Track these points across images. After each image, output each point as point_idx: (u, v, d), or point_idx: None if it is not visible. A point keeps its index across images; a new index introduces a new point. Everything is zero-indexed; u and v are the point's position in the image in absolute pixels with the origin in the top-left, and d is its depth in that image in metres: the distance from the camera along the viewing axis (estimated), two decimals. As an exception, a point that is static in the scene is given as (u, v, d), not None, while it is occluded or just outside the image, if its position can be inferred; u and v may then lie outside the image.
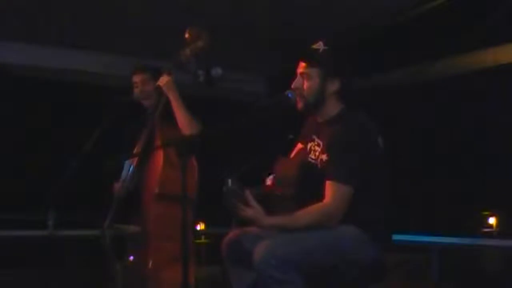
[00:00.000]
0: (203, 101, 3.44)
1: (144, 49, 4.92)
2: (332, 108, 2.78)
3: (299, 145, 3.04)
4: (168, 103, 3.39)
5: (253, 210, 2.62)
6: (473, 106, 4.29)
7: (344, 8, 4.42)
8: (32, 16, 4.48)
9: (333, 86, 2.74)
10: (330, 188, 2.58)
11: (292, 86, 2.78)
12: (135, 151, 3.55)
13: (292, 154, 3.02)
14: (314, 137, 2.82)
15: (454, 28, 4.29)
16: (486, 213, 4.06)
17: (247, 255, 2.59)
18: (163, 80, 3.39)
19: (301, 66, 2.77)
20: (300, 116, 2.95)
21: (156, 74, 3.57)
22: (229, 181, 2.61)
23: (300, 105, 2.78)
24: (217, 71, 3.24)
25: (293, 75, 2.92)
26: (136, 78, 3.64)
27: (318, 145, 2.76)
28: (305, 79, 2.75)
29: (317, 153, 2.76)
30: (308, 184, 2.66)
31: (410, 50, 4.58)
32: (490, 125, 4.20)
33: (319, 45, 2.76)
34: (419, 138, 4.61)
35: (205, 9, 4.38)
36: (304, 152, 2.87)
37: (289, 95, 2.75)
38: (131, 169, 3.45)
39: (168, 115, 3.41)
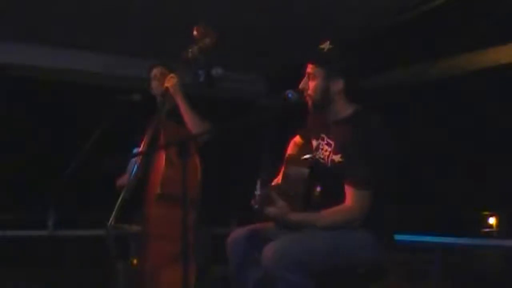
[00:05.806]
0: (203, 101, 3.44)
1: (144, 49, 4.93)
2: (343, 108, 2.79)
3: (297, 139, 3.07)
4: (174, 104, 3.40)
5: (279, 207, 2.70)
6: (473, 106, 4.28)
7: (344, 8, 4.42)
8: (32, 16, 4.48)
9: (337, 85, 2.74)
10: (352, 193, 2.63)
11: (300, 87, 2.80)
12: (140, 149, 3.54)
13: (290, 147, 3.05)
14: (324, 135, 2.82)
15: (454, 28, 4.28)
16: (486, 213, 4.06)
17: (253, 253, 2.66)
18: (171, 81, 3.40)
19: (308, 67, 2.80)
20: (303, 113, 2.97)
21: (172, 71, 3.59)
22: (258, 182, 2.72)
23: (309, 104, 2.81)
24: (217, 71, 3.25)
25: (293, 75, 2.92)
26: (156, 71, 3.70)
27: (329, 144, 2.78)
28: (310, 79, 2.77)
29: (327, 153, 2.77)
30: (317, 183, 2.71)
31: (410, 50, 4.58)
32: (490, 125, 4.20)
33: (326, 45, 2.76)
34: (418, 138, 4.60)
35: (205, 9, 4.38)
36: (308, 148, 2.87)
37: (289, 95, 2.75)
38: (134, 168, 3.44)
39: (173, 115, 3.40)
